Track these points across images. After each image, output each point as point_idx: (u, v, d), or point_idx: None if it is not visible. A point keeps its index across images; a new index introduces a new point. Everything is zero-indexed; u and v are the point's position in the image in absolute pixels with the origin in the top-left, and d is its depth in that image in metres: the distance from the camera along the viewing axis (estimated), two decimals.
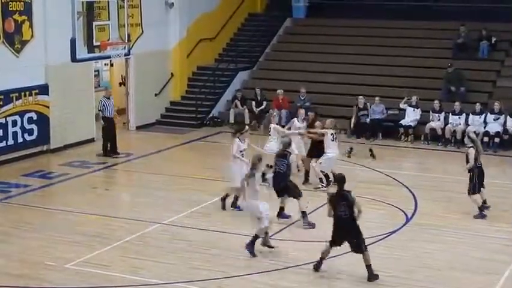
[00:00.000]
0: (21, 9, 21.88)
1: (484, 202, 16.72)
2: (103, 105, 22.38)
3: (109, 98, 22.59)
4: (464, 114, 24.39)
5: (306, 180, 19.17)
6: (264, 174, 14.92)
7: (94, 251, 14.56)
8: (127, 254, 14.50)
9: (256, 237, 14.35)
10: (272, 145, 18.99)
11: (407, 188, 18.99)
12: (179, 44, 27.95)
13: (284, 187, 15.99)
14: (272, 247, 14.56)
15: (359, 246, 13.27)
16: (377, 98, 25.22)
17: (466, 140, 17.08)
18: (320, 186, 18.61)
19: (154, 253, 14.56)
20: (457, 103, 24.55)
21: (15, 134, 21.73)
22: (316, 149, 19.09)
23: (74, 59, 19.04)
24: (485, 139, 23.68)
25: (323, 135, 18.81)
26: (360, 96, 23.47)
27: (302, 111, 20.56)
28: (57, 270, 13.69)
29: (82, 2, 20.06)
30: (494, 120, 23.99)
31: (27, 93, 22.04)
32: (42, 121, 22.48)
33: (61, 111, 22.97)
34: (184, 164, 22.80)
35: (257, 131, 24.61)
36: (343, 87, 27.24)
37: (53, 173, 20.71)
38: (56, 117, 22.85)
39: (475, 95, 25.78)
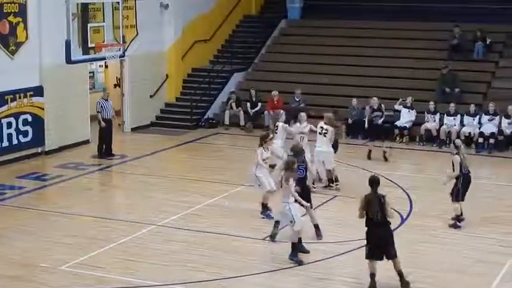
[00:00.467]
0: (16, 10, 21.84)
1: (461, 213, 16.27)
2: (101, 106, 22.37)
3: (107, 100, 22.59)
4: (459, 115, 24.42)
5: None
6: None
7: (89, 253, 14.54)
8: (122, 256, 14.49)
9: (294, 245, 14.06)
10: (278, 143, 18.77)
11: (402, 189, 19.01)
12: (174, 45, 27.95)
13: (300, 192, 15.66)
14: (307, 252, 14.44)
15: (390, 252, 12.78)
16: (371, 99, 25.24)
17: (451, 146, 16.79)
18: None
19: (150, 255, 14.54)
20: (451, 104, 24.59)
21: (10, 135, 21.68)
22: None
23: (69, 60, 19.02)
24: (480, 140, 23.75)
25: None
26: (374, 97, 22.90)
27: (303, 114, 20.18)
28: (53, 272, 13.66)
29: (77, 4, 20.05)
30: (488, 121, 24.03)
31: (22, 95, 21.99)
32: (37, 123, 22.44)
33: (56, 113, 22.94)
34: (179, 166, 22.81)
35: (252, 133, 24.70)
36: (338, 88, 27.26)
37: (48, 175, 20.68)
38: (51, 119, 22.82)
39: (470, 96, 25.82)
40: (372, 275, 12.85)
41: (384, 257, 12.85)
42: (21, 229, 16.05)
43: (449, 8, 28.99)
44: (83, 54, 19.97)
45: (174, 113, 27.66)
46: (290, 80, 27.86)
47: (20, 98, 21.95)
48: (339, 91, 27.05)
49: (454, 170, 15.98)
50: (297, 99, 26.49)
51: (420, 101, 25.44)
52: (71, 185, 19.68)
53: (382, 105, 22.62)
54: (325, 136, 18.70)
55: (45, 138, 22.72)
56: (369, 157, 22.03)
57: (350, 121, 25.11)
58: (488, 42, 27.30)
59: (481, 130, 23.90)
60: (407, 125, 24.80)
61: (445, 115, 24.54)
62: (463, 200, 16.13)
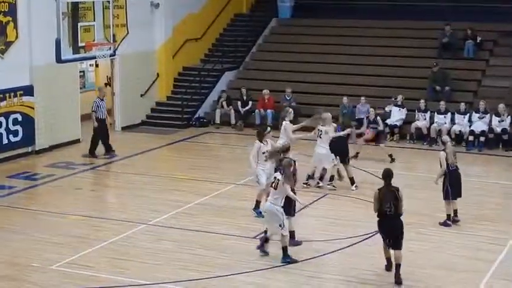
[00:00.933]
0: (6, 10, 21.78)
1: (455, 213, 16.23)
2: (97, 106, 22.36)
3: (102, 99, 22.58)
4: (449, 113, 24.48)
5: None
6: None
7: (80, 252, 14.52)
8: (113, 255, 14.47)
9: (285, 248, 13.96)
10: (281, 143, 18.67)
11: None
12: (165, 44, 27.92)
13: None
14: (300, 243, 14.62)
15: (397, 243, 13.16)
16: (362, 98, 25.35)
17: (439, 143, 16.82)
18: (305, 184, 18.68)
19: (140, 254, 14.53)
20: (442, 102, 24.65)
21: (0, 135, 21.63)
22: None
23: (59, 59, 18.95)
24: (470, 138, 23.81)
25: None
26: (371, 108, 23.06)
27: (329, 115, 20.00)
28: (43, 271, 13.64)
29: (67, 3, 20.01)
30: (479, 119, 24.09)
31: (12, 94, 21.94)
32: (28, 122, 22.38)
33: (46, 112, 22.89)
34: (170, 165, 22.80)
35: (242, 131, 24.72)
36: (329, 87, 27.29)
37: (38, 174, 20.64)
38: (41, 118, 22.77)
39: (460, 94, 25.89)
40: (388, 259, 13.48)
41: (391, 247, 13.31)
42: (11, 229, 16.02)
43: (440, 6, 29.05)
44: (73, 54, 19.91)
45: (165, 112, 27.63)
46: (281, 78, 27.89)
47: (10, 97, 21.89)
48: (330, 90, 27.09)
49: (440, 166, 16.03)
50: (288, 98, 26.52)
51: (411, 99, 25.52)
52: (61, 185, 19.64)
53: (378, 117, 22.70)
54: (320, 137, 18.66)
55: (35, 138, 22.67)
56: (355, 156, 21.95)
57: (340, 120, 25.05)
58: (478, 41, 27.38)
59: (472, 128, 23.96)
60: (398, 123, 24.85)
61: (436, 113, 24.59)
62: (454, 198, 16.13)
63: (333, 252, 14.63)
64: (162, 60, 27.99)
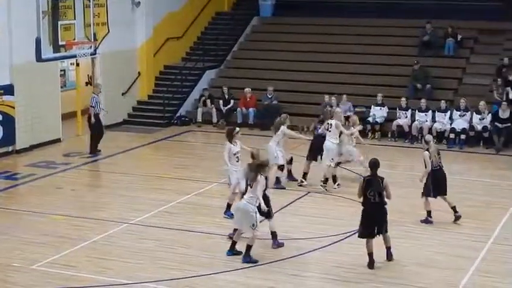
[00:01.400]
0: None
1: (454, 209, 16.25)
2: (96, 101, 22.35)
3: (97, 95, 22.59)
4: (430, 111, 24.58)
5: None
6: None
7: (61, 252, 14.45)
8: (95, 255, 14.42)
9: (249, 247, 13.88)
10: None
11: None
12: (146, 43, 27.85)
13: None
14: (282, 245, 14.63)
15: (383, 227, 13.75)
16: (344, 96, 25.41)
17: (422, 142, 16.87)
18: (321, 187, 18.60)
19: (122, 253, 14.48)
20: (423, 100, 24.74)
21: None
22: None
23: (39, 58, 18.93)
24: (452, 136, 23.91)
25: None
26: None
27: (356, 118, 20.22)
28: (24, 271, 13.57)
29: (47, 1, 19.92)
30: (460, 117, 24.19)
31: None
32: (8, 122, 22.25)
33: (27, 111, 22.77)
34: (152, 164, 22.74)
35: (224, 130, 24.64)
36: (310, 85, 27.32)
37: (19, 174, 20.52)
38: (22, 117, 22.65)
39: (441, 92, 26.00)
40: (370, 254, 13.70)
41: (376, 234, 13.73)
42: None
43: (420, 4, 29.18)
44: (54, 52, 19.88)
45: (146, 110, 27.58)
46: (262, 77, 27.89)
47: None
48: (312, 88, 27.10)
49: (425, 166, 16.08)
50: (270, 96, 26.54)
51: (392, 97, 25.60)
52: (42, 184, 19.55)
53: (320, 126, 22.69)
54: (329, 131, 18.77)
55: (16, 137, 22.54)
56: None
57: (321, 117, 25.06)
58: (459, 39, 27.51)
59: (452, 126, 24.05)
60: (379, 120, 24.93)
61: (417, 111, 24.68)
62: (435, 196, 16.17)
63: (314, 250, 14.64)
64: (143, 58, 27.91)
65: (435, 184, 16.02)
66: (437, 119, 24.44)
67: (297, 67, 28.22)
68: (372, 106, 25.19)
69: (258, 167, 14.10)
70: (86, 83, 27.68)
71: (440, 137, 24.04)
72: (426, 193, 16.14)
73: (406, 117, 24.76)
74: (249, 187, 13.96)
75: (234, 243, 14.26)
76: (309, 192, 18.51)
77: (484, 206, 17.84)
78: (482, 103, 24.11)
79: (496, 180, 20.43)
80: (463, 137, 23.82)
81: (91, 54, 22.09)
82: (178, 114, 27.55)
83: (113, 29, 24.30)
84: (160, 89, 27.99)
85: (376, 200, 13.66)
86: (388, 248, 13.93)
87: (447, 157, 21.83)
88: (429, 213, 16.20)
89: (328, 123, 18.83)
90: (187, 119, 27.47)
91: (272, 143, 18.63)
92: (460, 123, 24.01)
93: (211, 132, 26.17)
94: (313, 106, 25.21)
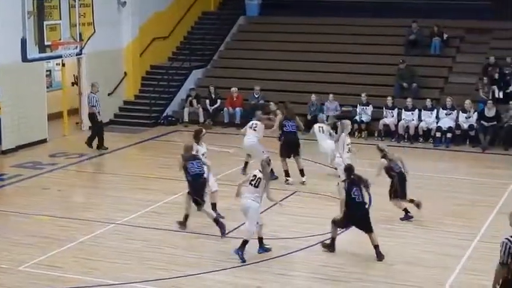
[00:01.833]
0: None
1: (406, 210, 16.32)
2: (96, 100, 22.36)
3: (96, 94, 22.61)
4: (416, 110, 24.64)
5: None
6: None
7: (48, 253, 14.40)
8: (81, 255, 14.37)
9: (245, 242, 13.93)
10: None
11: None
12: (133, 42, 27.81)
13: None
14: (270, 250, 14.52)
15: (368, 227, 14.02)
16: (330, 95, 25.48)
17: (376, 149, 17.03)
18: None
19: (109, 253, 14.45)
20: (409, 99, 24.81)
21: None
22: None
23: (25, 58, 18.88)
24: (438, 134, 23.99)
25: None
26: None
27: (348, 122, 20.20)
28: (10, 272, 13.51)
29: (33, 1, 19.85)
30: (446, 115, 24.27)
31: None
32: None
33: (13, 112, 22.68)
34: (139, 164, 22.70)
35: (211, 130, 24.65)
36: (297, 84, 27.34)
37: (5, 174, 20.43)
38: (8, 118, 22.55)
39: (427, 91, 26.08)
40: (333, 239, 14.28)
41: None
42: None
43: (406, 3, 29.24)
44: (39, 53, 19.84)
45: (133, 110, 27.53)
46: (249, 76, 27.89)
47: None
48: (298, 87, 27.12)
49: (377, 173, 16.28)
50: (256, 96, 26.56)
51: (378, 96, 25.66)
52: (28, 185, 19.47)
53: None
54: (322, 132, 19.76)
55: (1, 138, 22.44)
56: None
57: (308, 117, 25.14)
58: (445, 38, 27.59)
59: (439, 125, 24.13)
60: (364, 119, 24.97)
61: (403, 110, 24.75)
62: (402, 197, 16.26)
63: (301, 249, 14.65)
64: (129, 58, 27.86)
65: (403, 186, 16.22)
66: (423, 117, 24.51)
67: (284, 66, 28.24)
68: (358, 105, 25.24)
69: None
70: (72, 83, 27.57)
71: (426, 135, 24.14)
72: (394, 195, 16.29)
73: (392, 116, 24.82)
74: (252, 186, 14.06)
75: (260, 240, 14.29)
76: (295, 192, 18.52)
77: (471, 204, 17.89)
78: (468, 102, 24.19)
79: (482, 178, 20.50)
80: (449, 135, 23.90)
81: (76, 55, 22.01)
82: (164, 114, 27.52)
83: (99, 29, 24.29)
84: (147, 89, 27.94)
85: (360, 199, 14.01)
86: (376, 247, 13.98)
87: (433, 156, 22.02)
88: (406, 210, 16.25)
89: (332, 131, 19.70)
90: (173, 119, 27.44)
91: (255, 139, 18.88)
92: (446, 122, 24.08)
93: None
94: (300, 105, 25.19)
